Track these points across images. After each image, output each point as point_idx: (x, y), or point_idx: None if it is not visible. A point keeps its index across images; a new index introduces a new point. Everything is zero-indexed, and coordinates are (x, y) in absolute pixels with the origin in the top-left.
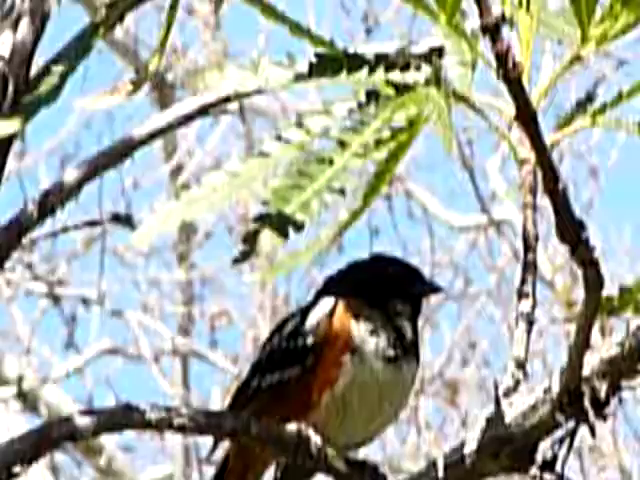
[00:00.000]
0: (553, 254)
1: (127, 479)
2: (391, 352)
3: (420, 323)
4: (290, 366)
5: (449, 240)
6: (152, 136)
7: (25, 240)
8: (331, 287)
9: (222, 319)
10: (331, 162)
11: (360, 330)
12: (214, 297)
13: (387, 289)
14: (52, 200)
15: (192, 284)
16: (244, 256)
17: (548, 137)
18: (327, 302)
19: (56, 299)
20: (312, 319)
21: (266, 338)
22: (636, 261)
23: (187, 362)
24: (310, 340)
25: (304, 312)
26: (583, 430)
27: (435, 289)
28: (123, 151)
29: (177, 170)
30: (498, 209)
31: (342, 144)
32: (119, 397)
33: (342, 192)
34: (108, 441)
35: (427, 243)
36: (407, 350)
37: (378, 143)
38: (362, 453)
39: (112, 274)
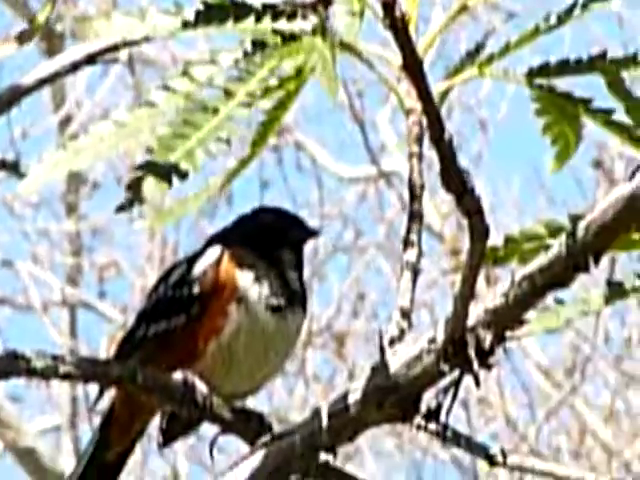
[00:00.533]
0: (441, 205)
1: (14, 429)
2: (276, 301)
3: (308, 274)
4: (176, 315)
5: (339, 192)
6: (40, 83)
7: None
8: (217, 239)
9: (111, 270)
10: (216, 111)
11: (245, 279)
12: (103, 248)
13: (269, 238)
14: None
15: (81, 235)
16: (128, 203)
17: (435, 87)
18: (213, 251)
19: None
20: (198, 268)
21: (152, 287)
22: (524, 213)
23: (75, 312)
24: (196, 289)
25: (190, 261)
26: (469, 381)
27: (312, 233)
28: (10, 98)
29: (66, 120)
30: (387, 161)
31: (228, 93)
32: (7, 347)
33: (227, 142)
34: None
35: (316, 195)
36: (293, 299)
37: (265, 92)
38: (249, 404)
39: (1, 224)
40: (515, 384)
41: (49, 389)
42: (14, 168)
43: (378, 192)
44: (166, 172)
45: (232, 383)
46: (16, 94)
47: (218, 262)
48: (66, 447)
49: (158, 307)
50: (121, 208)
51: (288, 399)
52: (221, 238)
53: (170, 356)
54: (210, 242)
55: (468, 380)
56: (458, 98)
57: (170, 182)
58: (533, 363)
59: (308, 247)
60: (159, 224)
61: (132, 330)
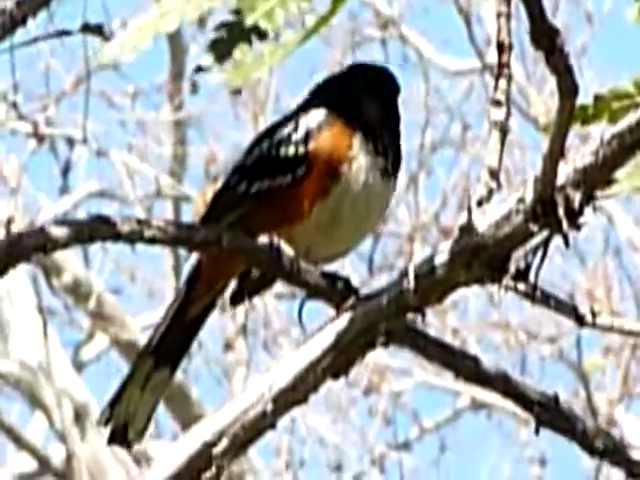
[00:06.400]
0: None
1: (118, 324)
2: (384, 164)
3: (415, 168)
4: (282, 174)
5: (444, 85)
6: None
7: None
8: (318, 97)
9: (214, 163)
10: None
11: (356, 142)
12: (203, 139)
13: (368, 97)
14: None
15: (181, 125)
16: (208, 63)
17: None
18: (319, 112)
19: (41, 139)
20: (306, 128)
21: (253, 142)
22: None
23: (179, 205)
24: (302, 149)
25: (296, 120)
26: (573, 272)
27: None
28: None
29: None
30: (493, 54)
31: None
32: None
33: (308, 0)
34: (97, 283)
35: (423, 88)
36: (396, 162)
37: None
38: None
39: (99, 115)
40: (622, 277)
41: (153, 284)
42: (99, 31)
43: (484, 86)
44: (246, 32)
45: (330, 246)
46: None
47: (327, 123)
48: None
49: (262, 164)
50: (200, 69)
51: None
52: (322, 97)
53: (272, 216)
54: (312, 97)
55: (572, 271)
56: None
57: (250, 41)
58: None
59: (415, 141)
60: (236, 80)
61: (230, 185)
